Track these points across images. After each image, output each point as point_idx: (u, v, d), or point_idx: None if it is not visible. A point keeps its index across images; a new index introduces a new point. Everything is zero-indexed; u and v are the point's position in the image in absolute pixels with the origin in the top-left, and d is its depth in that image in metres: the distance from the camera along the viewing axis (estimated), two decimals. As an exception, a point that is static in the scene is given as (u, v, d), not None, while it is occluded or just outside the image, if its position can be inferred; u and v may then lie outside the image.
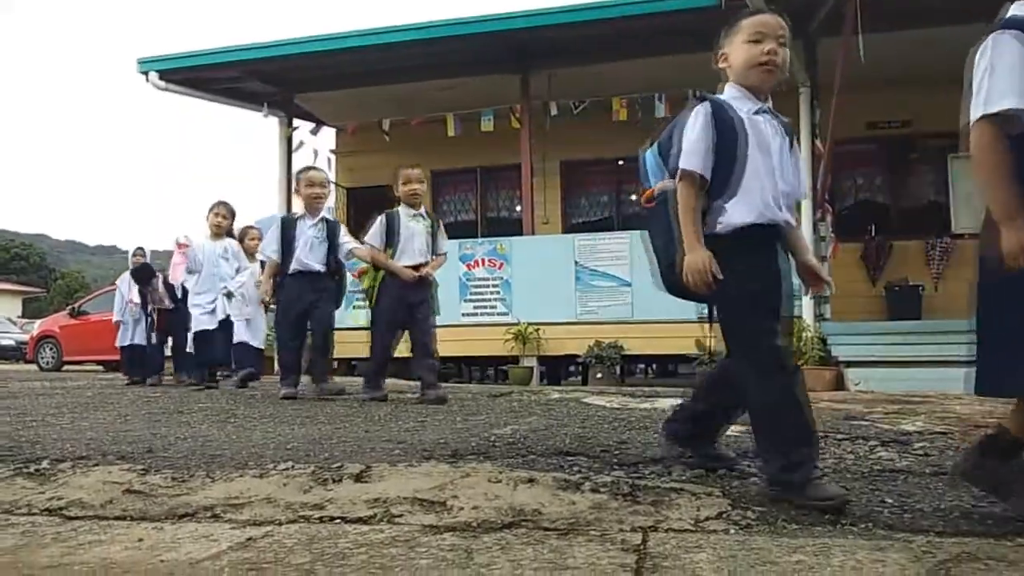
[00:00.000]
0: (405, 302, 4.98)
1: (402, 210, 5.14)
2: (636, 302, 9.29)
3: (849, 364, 8.05)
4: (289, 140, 11.49)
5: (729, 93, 2.37)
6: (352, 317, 10.05)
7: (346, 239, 5.43)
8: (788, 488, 2.12)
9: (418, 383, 5.16)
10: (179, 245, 6.83)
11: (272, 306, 5.53)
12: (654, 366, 14.87)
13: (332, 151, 12.56)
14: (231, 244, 6.85)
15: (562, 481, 2.35)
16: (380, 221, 5.10)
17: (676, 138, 2.31)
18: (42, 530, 2.12)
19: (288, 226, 5.38)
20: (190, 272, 6.82)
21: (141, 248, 8.08)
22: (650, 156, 2.43)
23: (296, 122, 11.67)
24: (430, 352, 5.03)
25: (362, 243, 5.24)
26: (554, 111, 10.21)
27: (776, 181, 2.25)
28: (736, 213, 2.21)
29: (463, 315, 9.95)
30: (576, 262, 9.61)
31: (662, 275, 2.36)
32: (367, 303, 5.33)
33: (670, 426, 2.60)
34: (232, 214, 6.97)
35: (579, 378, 10.96)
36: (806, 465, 2.11)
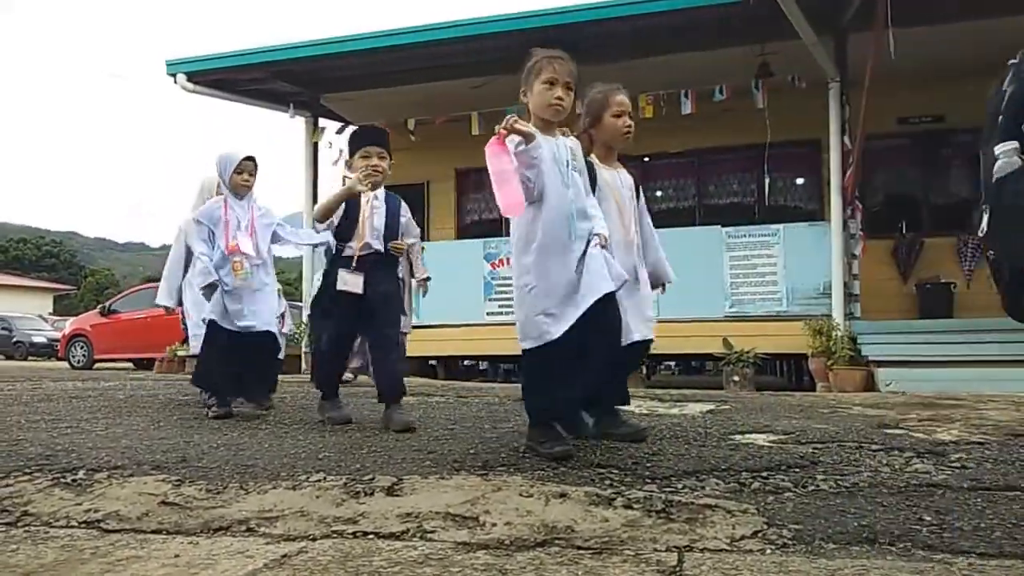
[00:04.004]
0: None
1: None
2: (662, 300, 9.19)
3: (880, 364, 7.95)
4: (315, 141, 11.57)
5: None
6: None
7: None
8: None
9: None
10: (500, 137, 2.88)
11: None
12: (679, 365, 14.83)
13: (357, 150, 12.63)
14: (575, 145, 3.27)
15: (594, 496, 2.34)
16: None
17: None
18: (81, 544, 2.15)
19: None
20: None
21: None
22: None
23: (322, 122, 11.74)
24: None
25: None
26: (579, 109, 10.16)
27: None
28: None
29: (488, 314, 9.96)
30: (602, 260, 9.57)
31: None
32: None
33: None
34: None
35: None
36: None
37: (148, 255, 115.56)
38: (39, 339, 25.72)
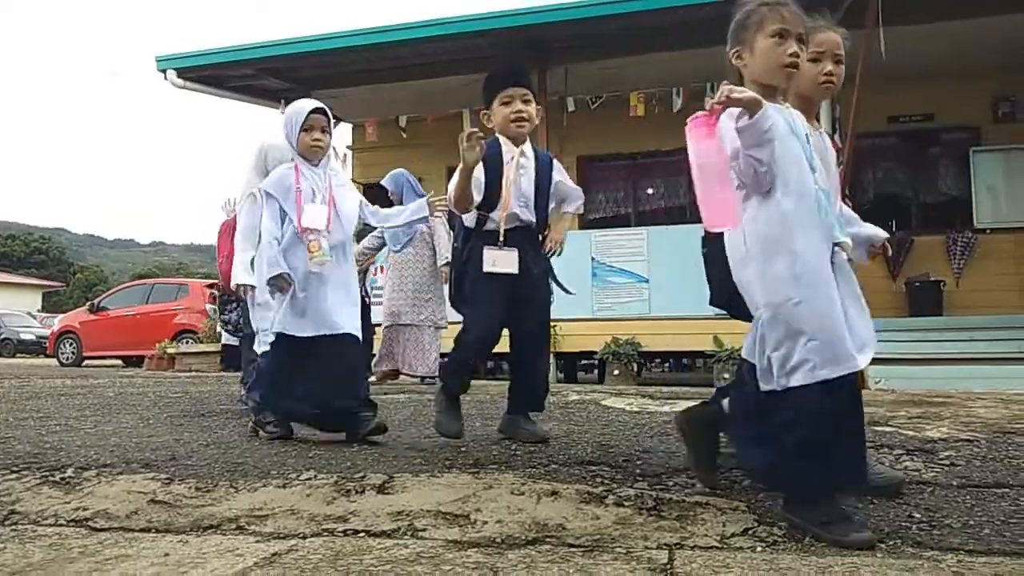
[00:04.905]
0: None
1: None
2: (653, 298, 9.26)
3: (870, 361, 7.97)
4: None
5: None
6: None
7: None
8: None
9: None
10: (712, 113, 2.17)
11: None
12: (670, 362, 14.85)
13: (348, 147, 12.59)
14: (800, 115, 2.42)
15: (585, 494, 2.34)
16: None
17: None
18: (69, 543, 2.14)
19: None
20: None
21: None
22: None
23: (312, 118, 11.69)
24: None
25: None
26: (571, 106, 10.16)
27: None
28: None
29: (480, 311, 9.93)
30: (593, 258, 9.57)
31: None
32: None
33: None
34: None
35: (593, 373, 10.94)
36: None
37: (137, 251, 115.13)
38: (27, 336, 25.57)
